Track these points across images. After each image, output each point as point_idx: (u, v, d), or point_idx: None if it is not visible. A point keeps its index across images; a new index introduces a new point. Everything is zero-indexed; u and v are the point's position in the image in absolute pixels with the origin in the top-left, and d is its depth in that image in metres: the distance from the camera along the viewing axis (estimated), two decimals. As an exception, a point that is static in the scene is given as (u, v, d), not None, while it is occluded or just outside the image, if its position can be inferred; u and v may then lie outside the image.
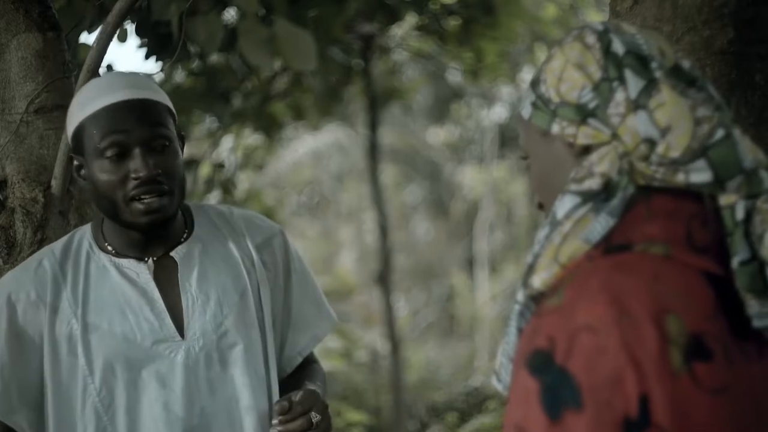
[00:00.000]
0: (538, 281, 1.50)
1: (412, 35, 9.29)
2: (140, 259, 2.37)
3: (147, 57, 5.23)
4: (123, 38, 4.56)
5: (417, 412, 12.04)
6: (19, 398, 2.31)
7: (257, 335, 2.41)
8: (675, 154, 1.49)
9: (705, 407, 1.40)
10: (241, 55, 5.17)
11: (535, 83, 1.61)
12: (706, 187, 1.50)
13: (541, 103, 1.59)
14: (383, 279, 10.38)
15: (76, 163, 2.36)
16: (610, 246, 1.49)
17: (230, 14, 5.93)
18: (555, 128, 1.57)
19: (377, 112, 10.21)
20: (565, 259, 1.50)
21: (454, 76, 12.88)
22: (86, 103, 2.33)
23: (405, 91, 10.82)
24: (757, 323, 1.47)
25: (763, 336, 1.48)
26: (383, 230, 10.39)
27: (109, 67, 4.24)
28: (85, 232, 2.43)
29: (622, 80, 1.53)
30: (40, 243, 2.78)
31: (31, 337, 2.31)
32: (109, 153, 2.27)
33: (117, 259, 2.37)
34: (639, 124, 1.51)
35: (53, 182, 2.82)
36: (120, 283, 2.35)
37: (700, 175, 1.50)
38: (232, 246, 2.45)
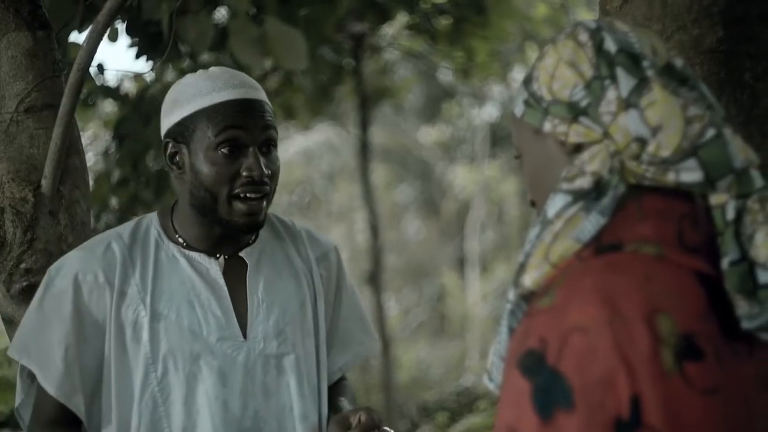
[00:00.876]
0: (529, 280, 1.49)
1: (403, 34, 9.29)
2: (210, 254, 2.38)
3: (137, 56, 5.23)
4: (114, 37, 4.56)
5: (408, 411, 12.04)
6: (81, 380, 2.30)
7: (312, 346, 2.43)
8: (665, 153, 1.48)
9: (696, 408, 1.40)
10: (232, 55, 5.16)
11: (527, 81, 1.61)
12: (697, 186, 1.50)
13: (533, 100, 1.59)
14: (374, 278, 10.37)
15: (171, 149, 2.36)
16: (601, 245, 1.48)
17: (221, 13, 5.93)
18: (547, 126, 1.57)
19: (368, 111, 10.21)
20: (556, 259, 1.49)
21: (446, 75, 12.88)
22: (201, 94, 2.32)
23: (396, 90, 10.82)
24: (746, 325, 1.46)
25: (754, 336, 1.48)
26: (374, 230, 10.39)
27: (100, 67, 4.24)
28: (151, 221, 2.43)
29: (613, 78, 1.53)
30: (30, 243, 2.78)
31: (95, 319, 2.31)
32: (224, 147, 2.28)
33: (187, 252, 2.38)
34: (630, 122, 1.50)
35: (43, 182, 2.82)
36: (190, 275, 2.36)
37: (690, 174, 1.49)
38: (294, 256, 2.48)
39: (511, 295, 1.52)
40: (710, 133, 1.50)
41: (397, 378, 11.42)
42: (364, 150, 10.38)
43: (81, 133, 3.01)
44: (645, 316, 1.40)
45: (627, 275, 1.44)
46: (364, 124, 10.19)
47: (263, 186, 2.30)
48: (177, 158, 2.35)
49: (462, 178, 16.91)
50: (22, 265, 2.78)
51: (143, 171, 6.31)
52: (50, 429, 2.33)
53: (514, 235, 16.30)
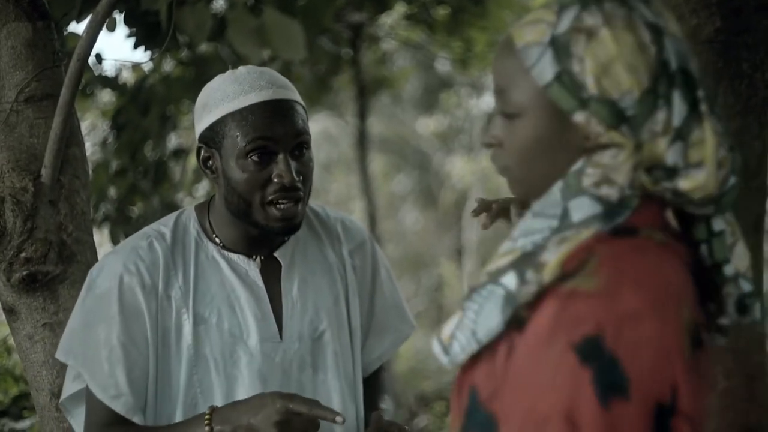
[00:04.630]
0: (549, 271, 1.44)
1: (402, 24, 9.28)
2: (248, 255, 2.37)
3: (136, 46, 5.23)
4: (112, 28, 4.55)
5: (406, 401, 12.05)
6: (128, 382, 2.27)
7: (347, 340, 2.43)
8: (697, 195, 1.49)
9: (705, 394, 1.44)
10: (230, 45, 5.16)
11: (563, 51, 1.49)
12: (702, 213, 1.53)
13: (569, 81, 1.48)
14: (372, 268, 10.36)
15: (204, 154, 2.34)
16: (617, 228, 1.47)
17: (219, 3, 5.93)
18: (579, 117, 1.48)
19: (366, 101, 10.20)
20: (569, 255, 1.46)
21: (444, 65, 12.88)
22: (229, 98, 2.29)
23: (394, 80, 10.82)
24: (724, 323, 1.53)
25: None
26: (372, 220, 10.38)
27: (98, 57, 4.24)
28: (190, 218, 2.41)
29: (668, 100, 1.47)
30: (30, 232, 2.78)
31: (141, 320, 2.29)
32: (253, 155, 2.25)
33: (226, 253, 2.37)
34: (671, 152, 1.47)
35: (43, 171, 2.82)
36: (229, 277, 2.35)
37: (705, 209, 1.52)
38: (328, 250, 2.47)
39: (511, 282, 1.46)
40: (732, 181, 1.51)
41: (395, 368, 11.43)
42: (362, 140, 10.38)
43: (80, 123, 3.02)
44: (676, 305, 1.42)
45: (658, 262, 1.45)
46: (362, 114, 10.19)
47: (296, 192, 2.27)
48: (210, 163, 2.33)
49: (460, 168, 16.89)
50: (22, 255, 2.78)
51: (141, 161, 6.30)
52: (106, 430, 2.31)
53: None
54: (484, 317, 1.47)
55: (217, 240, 2.38)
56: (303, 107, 2.33)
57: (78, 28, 4.09)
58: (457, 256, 16.70)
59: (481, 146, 1.84)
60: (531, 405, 1.39)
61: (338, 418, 2.10)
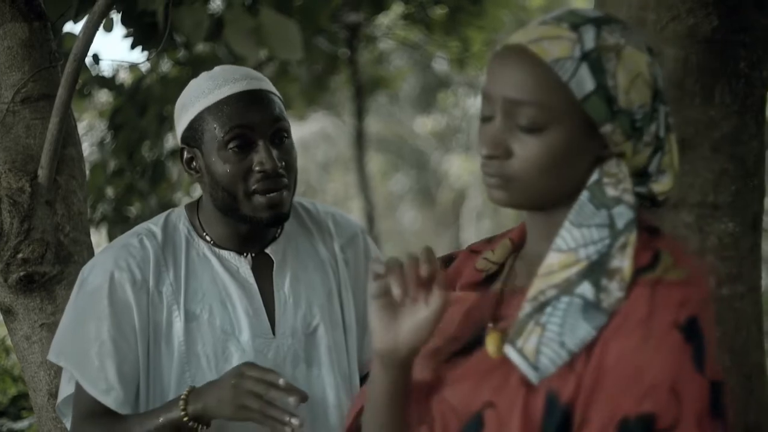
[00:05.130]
0: (628, 276, 1.54)
1: (399, 24, 9.29)
2: (239, 252, 2.36)
3: (133, 47, 5.23)
4: (109, 28, 4.55)
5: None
6: (118, 376, 2.27)
7: (341, 336, 2.42)
8: (662, 197, 1.63)
9: None
10: (227, 45, 5.16)
11: (597, 67, 1.55)
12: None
13: (603, 94, 1.54)
14: (370, 268, 10.36)
15: (187, 155, 2.33)
16: (647, 228, 1.61)
17: (216, 3, 5.93)
18: (607, 128, 1.55)
19: (364, 101, 10.22)
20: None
21: (441, 65, 12.89)
22: (204, 94, 2.29)
23: (391, 80, 10.83)
24: None
25: None
26: (370, 219, 10.40)
27: (95, 57, 4.24)
28: (180, 216, 2.41)
29: (656, 114, 1.59)
30: (27, 233, 2.78)
31: (132, 317, 2.29)
32: (232, 144, 2.25)
33: (217, 250, 2.36)
34: (653, 161, 1.61)
35: (40, 172, 2.82)
36: (221, 274, 2.35)
37: (656, 207, 1.66)
38: (319, 245, 2.45)
39: (587, 291, 1.54)
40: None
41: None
42: (360, 140, 10.39)
43: (77, 124, 3.02)
44: None
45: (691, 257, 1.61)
46: (360, 114, 10.20)
47: (280, 179, 2.27)
48: (194, 163, 2.33)
49: (457, 167, 16.92)
50: (19, 255, 2.78)
51: (139, 161, 6.31)
52: (91, 420, 2.30)
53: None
54: (571, 328, 1.54)
55: (207, 238, 2.37)
56: (279, 98, 2.34)
57: (75, 28, 4.09)
58: (455, 256, 16.69)
59: (485, 157, 1.86)
60: (635, 378, 1.50)
61: (294, 421, 2.10)
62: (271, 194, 2.26)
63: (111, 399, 2.27)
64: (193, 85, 2.34)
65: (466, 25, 8.22)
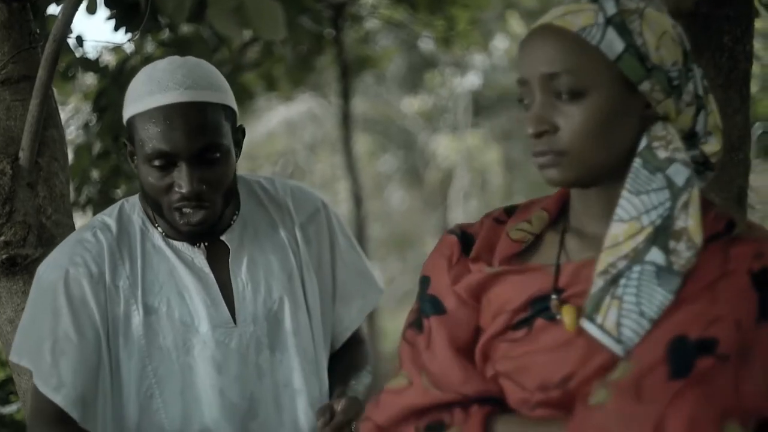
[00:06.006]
0: (695, 233, 1.58)
1: (384, 3, 9.26)
2: (192, 243, 2.34)
3: (116, 28, 5.19)
4: (92, 10, 4.52)
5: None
6: (72, 373, 2.24)
7: (305, 317, 2.39)
8: (714, 159, 1.68)
9: None
10: (211, 26, 5.13)
11: (622, 28, 1.60)
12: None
13: (635, 52, 1.60)
14: (358, 248, 10.36)
15: (129, 148, 2.30)
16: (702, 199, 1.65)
17: (199, -16, 5.89)
18: (646, 86, 1.60)
19: (350, 81, 10.17)
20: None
21: (427, 44, 12.86)
22: (139, 98, 2.24)
23: (377, 59, 10.79)
24: None
25: None
26: (357, 200, 10.38)
27: (79, 39, 4.21)
28: (134, 206, 2.38)
29: (691, 73, 1.64)
30: (9, 215, 2.76)
31: (89, 312, 2.26)
32: (155, 162, 2.20)
33: (171, 241, 2.34)
34: (698, 121, 1.66)
35: (21, 154, 2.80)
36: (176, 265, 2.32)
37: (707, 173, 1.72)
38: (279, 225, 2.42)
39: (657, 257, 1.58)
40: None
41: (382, 348, 11.44)
42: (347, 120, 10.36)
43: (63, 107, 3.00)
44: None
45: None
46: (346, 94, 10.16)
47: (199, 200, 2.22)
48: (134, 158, 2.29)
49: (445, 147, 16.89)
50: (1, 238, 2.76)
51: (124, 143, 6.27)
52: (46, 428, 2.27)
53: (497, 204, 16.25)
54: (647, 296, 1.57)
55: (159, 229, 2.35)
56: (222, 107, 2.25)
57: (58, 10, 4.05)
58: (444, 235, 16.70)
59: (533, 135, 1.84)
60: (701, 311, 1.55)
61: None
62: (189, 216, 2.23)
63: (60, 396, 2.23)
64: (135, 81, 2.28)
65: (451, 3, 8.19)
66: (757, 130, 6.18)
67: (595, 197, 1.68)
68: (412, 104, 17.46)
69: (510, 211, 1.82)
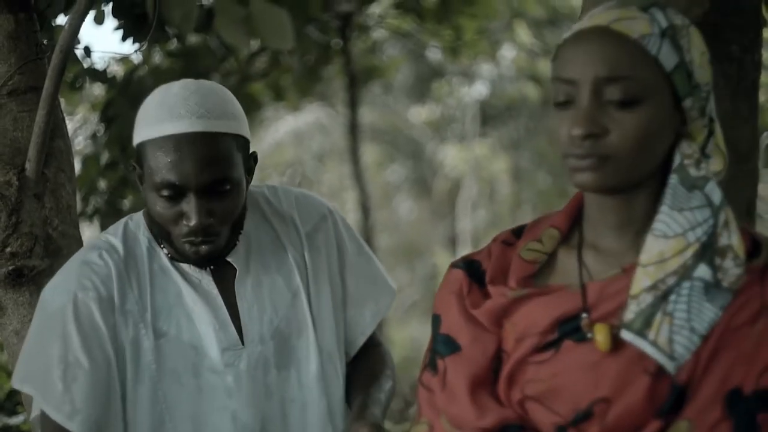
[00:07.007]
0: (740, 251, 1.60)
1: (391, 13, 9.26)
2: (199, 265, 2.29)
3: (124, 39, 5.20)
4: (100, 20, 4.53)
5: (401, 390, 12.03)
6: (84, 400, 2.18)
7: (311, 334, 2.34)
8: (718, 177, 1.68)
9: None
10: (219, 36, 5.14)
11: (674, 42, 1.62)
12: None
13: (684, 69, 1.62)
14: (366, 258, 10.35)
15: (138, 171, 2.24)
16: None
17: (206, -6, 5.90)
18: (688, 103, 1.62)
19: (357, 91, 10.19)
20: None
21: (434, 53, 12.87)
22: (149, 123, 2.19)
23: (385, 69, 10.81)
24: None
25: None
26: (365, 209, 10.39)
27: (86, 49, 4.21)
28: (139, 225, 2.33)
29: (710, 94, 1.67)
30: (15, 227, 2.76)
31: (100, 337, 2.21)
32: (163, 192, 2.15)
33: (178, 263, 2.29)
34: (709, 144, 1.67)
35: (27, 165, 2.80)
36: (184, 288, 2.27)
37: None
38: (284, 241, 2.36)
39: (704, 273, 1.59)
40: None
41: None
42: (354, 130, 10.37)
43: (70, 117, 3.00)
44: None
45: None
46: (353, 104, 10.17)
47: (208, 232, 2.18)
48: (141, 182, 2.25)
49: (453, 157, 16.90)
50: (8, 249, 2.76)
51: (132, 154, 6.27)
52: None
53: (505, 214, 16.29)
54: (697, 312, 1.59)
55: (165, 251, 2.30)
56: (234, 137, 2.20)
57: (65, 20, 4.06)
58: (451, 245, 16.71)
59: (580, 137, 1.82)
60: (751, 355, 1.57)
61: None
62: (196, 247, 2.20)
63: (76, 424, 2.18)
64: (147, 104, 2.24)
65: (458, 13, 8.20)
66: (765, 139, 6.17)
67: (614, 206, 1.67)
68: (419, 114, 17.46)
69: (518, 233, 1.80)
